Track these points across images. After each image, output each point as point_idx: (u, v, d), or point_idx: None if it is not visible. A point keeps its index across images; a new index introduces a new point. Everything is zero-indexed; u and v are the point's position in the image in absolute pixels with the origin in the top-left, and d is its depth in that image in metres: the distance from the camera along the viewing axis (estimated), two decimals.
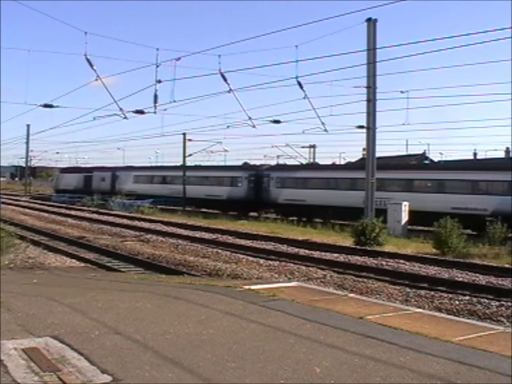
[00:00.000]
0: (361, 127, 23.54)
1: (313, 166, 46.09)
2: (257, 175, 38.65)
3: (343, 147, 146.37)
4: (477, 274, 14.77)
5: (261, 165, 43.04)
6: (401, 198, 26.48)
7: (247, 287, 9.21)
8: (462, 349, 5.64)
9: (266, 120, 22.68)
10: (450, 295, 11.99)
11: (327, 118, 22.41)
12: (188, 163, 46.26)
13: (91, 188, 55.15)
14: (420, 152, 42.47)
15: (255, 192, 37.92)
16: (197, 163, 49.40)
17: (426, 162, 35.27)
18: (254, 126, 22.10)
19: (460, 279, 14.22)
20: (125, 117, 20.67)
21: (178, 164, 48.74)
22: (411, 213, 25.32)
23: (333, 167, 40.83)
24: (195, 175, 43.98)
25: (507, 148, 53.20)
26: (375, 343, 5.77)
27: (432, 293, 12.22)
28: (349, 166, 38.48)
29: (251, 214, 37.17)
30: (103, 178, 54.87)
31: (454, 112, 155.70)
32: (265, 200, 37.08)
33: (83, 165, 67.98)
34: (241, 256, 17.67)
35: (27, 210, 39.02)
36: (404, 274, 14.90)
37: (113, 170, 55.47)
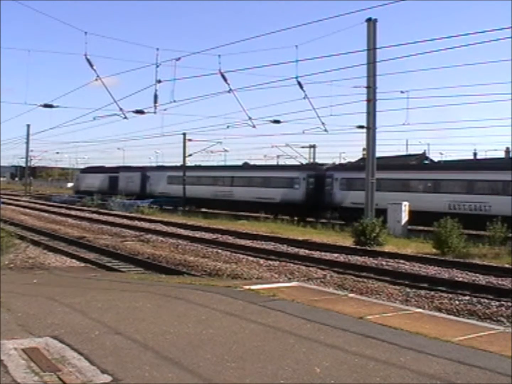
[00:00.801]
0: (361, 127, 23.55)
1: (387, 165, 41.62)
2: (317, 175, 34.80)
3: (343, 147, 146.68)
4: (477, 274, 14.76)
5: (322, 164, 39.54)
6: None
7: (247, 287, 9.21)
8: (462, 349, 5.64)
9: (266, 120, 22.71)
10: (450, 295, 11.99)
11: (327, 118, 22.44)
12: (188, 163, 46.23)
13: (117, 189, 50.51)
14: (420, 152, 42.49)
15: (314, 195, 33.94)
16: (197, 163, 49.17)
17: (426, 162, 35.26)
18: (254, 126, 22.13)
19: (460, 279, 14.22)
20: (125, 117, 20.70)
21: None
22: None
23: (413, 166, 34.93)
24: (241, 176, 40.20)
25: (507, 148, 53.21)
26: (375, 343, 5.77)
27: (432, 293, 12.22)
28: (431, 165, 34.61)
29: (306, 219, 33.04)
30: (132, 178, 50.42)
31: (454, 112, 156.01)
32: (326, 204, 32.97)
33: (107, 165, 64.28)
34: (241, 256, 17.67)
35: (27, 210, 39.03)
36: (404, 274, 14.90)
37: (143, 170, 51.23)
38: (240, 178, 39.97)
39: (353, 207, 29.80)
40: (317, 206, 33.54)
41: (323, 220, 32.46)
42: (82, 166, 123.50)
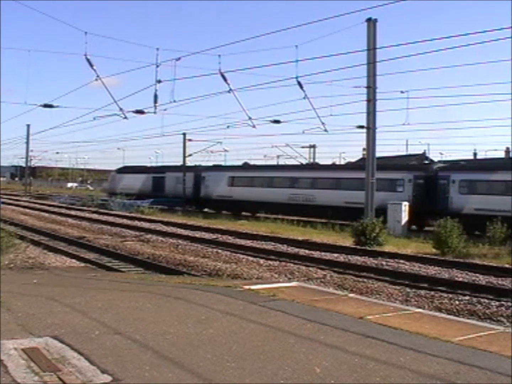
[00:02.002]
0: (361, 127, 23.56)
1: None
2: (427, 177, 30.37)
3: (343, 147, 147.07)
4: (477, 274, 14.77)
5: (431, 162, 34.86)
6: None
7: (247, 287, 9.21)
8: (462, 349, 5.64)
9: (266, 120, 22.72)
10: (450, 295, 11.99)
11: (327, 118, 22.46)
12: (188, 163, 46.14)
13: (163, 191, 45.97)
14: (420, 152, 42.47)
15: (423, 200, 29.35)
16: (197, 163, 48.85)
17: (427, 162, 35.24)
18: (254, 126, 22.14)
19: (460, 279, 14.22)
20: (125, 117, 20.73)
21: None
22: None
23: None
24: (327, 177, 34.79)
25: (507, 148, 53.24)
26: (375, 343, 5.77)
27: (432, 293, 12.22)
28: None
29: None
30: (182, 179, 44.26)
31: (454, 112, 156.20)
32: (440, 210, 27.89)
33: (148, 164, 60.62)
34: (241, 256, 17.66)
35: (27, 210, 39.01)
36: (404, 274, 14.90)
37: (196, 170, 44.94)
38: (325, 180, 34.51)
39: (477, 214, 26.17)
40: (427, 212, 29.13)
41: (324, 220, 31.01)
42: (82, 166, 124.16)
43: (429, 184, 29.85)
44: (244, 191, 38.10)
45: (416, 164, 34.31)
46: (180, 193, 43.78)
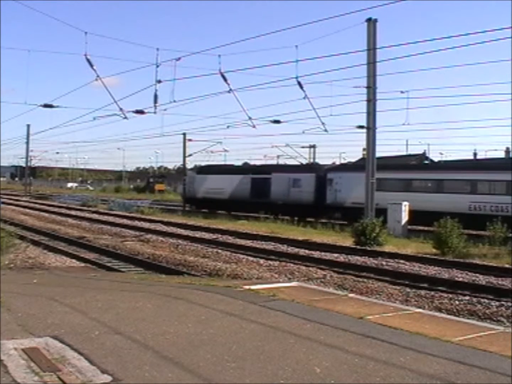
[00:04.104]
0: (361, 127, 23.56)
1: None
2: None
3: (343, 147, 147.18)
4: (477, 274, 14.76)
5: (319, 165, 33.74)
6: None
7: (247, 287, 9.22)
8: (462, 349, 5.64)
9: (266, 120, 22.75)
10: (450, 295, 11.98)
11: (327, 118, 22.52)
12: (188, 164, 45.83)
13: (267, 196, 35.98)
14: (420, 152, 42.43)
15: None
16: (197, 163, 48.09)
17: (427, 162, 35.22)
18: (254, 126, 22.17)
19: (460, 279, 14.21)
20: (125, 117, 20.74)
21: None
22: None
23: None
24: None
25: (507, 148, 53.27)
26: (375, 343, 5.77)
27: (432, 293, 12.22)
28: None
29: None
30: (297, 182, 34.70)
31: (454, 112, 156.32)
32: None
33: (236, 162, 49.94)
34: (241, 256, 17.67)
35: (27, 210, 39.02)
36: (404, 274, 14.89)
37: (318, 169, 35.24)
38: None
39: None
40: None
41: (323, 220, 30.80)
42: (82, 166, 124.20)
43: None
44: (397, 198, 27.99)
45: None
46: (294, 199, 34.08)
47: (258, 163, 51.19)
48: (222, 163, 50.96)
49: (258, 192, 36.99)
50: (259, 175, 38.36)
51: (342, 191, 32.16)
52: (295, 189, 34.59)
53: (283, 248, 20.30)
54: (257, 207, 34.16)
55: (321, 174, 34.10)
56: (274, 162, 51.49)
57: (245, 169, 42.06)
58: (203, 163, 49.20)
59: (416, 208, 25.86)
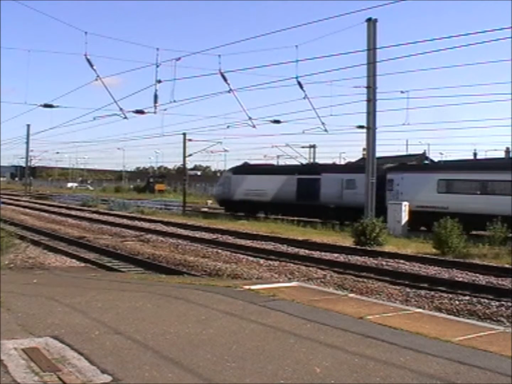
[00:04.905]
0: (361, 127, 23.57)
1: None
2: None
3: (343, 147, 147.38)
4: (477, 274, 14.76)
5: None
6: None
7: (247, 287, 9.21)
8: (462, 349, 5.64)
9: (266, 120, 22.76)
10: (450, 295, 11.99)
11: (327, 118, 22.52)
12: (188, 164, 45.73)
13: (316, 198, 32.16)
14: (420, 152, 42.43)
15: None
16: (197, 163, 47.65)
17: (426, 162, 35.22)
18: (254, 126, 22.17)
19: (460, 279, 14.21)
20: (125, 117, 20.75)
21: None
22: None
23: None
24: None
25: (507, 148, 53.21)
26: (375, 343, 5.77)
27: (432, 293, 12.22)
28: None
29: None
30: (353, 183, 30.97)
31: (454, 112, 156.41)
32: None
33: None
34: (241, 256, 17.67)
35: (27, 210, 39.00)
36: (404, 274, 14.89)
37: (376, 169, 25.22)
38: None
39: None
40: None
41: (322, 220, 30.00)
42: (82, 166, 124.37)
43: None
44: (473, 201, 25.23)
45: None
46: (348, 201, 30.44)
47: (258, 163, 51.01)
48: (264, 162, 47.94)
49: (306, 194, 33.49)
50: (306, 176, 34.63)
51: (404, 194, 28.33)
52: (349, 191, 31.21)
53: (283, 248, 20.30)
54: (304, 210, 32.12)
55: (379, 174, 28.23)
56: (274, 162, 51.26)
57: (291, 168, 37.96)
58: (203, 163, 49.00)
59: (495, 212, 22.63)
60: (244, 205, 37.40)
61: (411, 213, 26.15)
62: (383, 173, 29.07)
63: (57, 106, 20.81)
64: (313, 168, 36.44)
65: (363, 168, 26.02)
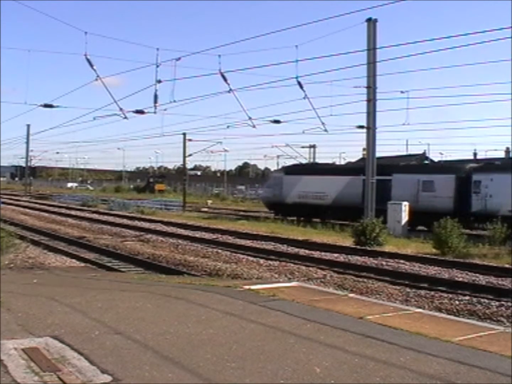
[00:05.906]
0: (361, 127, 23.58)
1: None
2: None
3: (343, 147, 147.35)
4: (477, 274, 14.75)
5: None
6: None
7: (247, 287, 9.21)
8: (462, 349, 5.64)
9: (266, 120, 22.75)
10: (450, 295, 11.98)
11: (327, 118, 22.51)
12: (188, 164, 45.78)
13: (387, 203, 26.24)
14: (420, 152, 42.42)
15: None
16: (197, 163, 47.69)
17: (426, 162, 35.23)
18: (254, 126, 22.16)
19: (460, 279, 14.21)
20: (125, 117, 20.75)
21: None
22: None
23: None
24: None
25: (507, 148, 53.25)
26: (375, 343, 5.77)
27: (432, 293, 12.22)
28: None
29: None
30: (429, 184, 27.92)
31: (454, 112, 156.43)
32: None
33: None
34: (241, 256, 17.66)
35: (27, 210, 38.99)
36: (404, 274, 14.89)
37: (459, 170, 27.20)
38: None
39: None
40: None
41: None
42: (82, 166, 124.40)
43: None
44: None
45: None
46: (425, 205, 27.05)
47: (258, 163, 50.75)
48: (320, 162, 43.60)
49: (383, 194, 27.69)
50: (383, 176, 28.38)
51: (494, 197, 25.10)
52: (426, 194, 27.72)
53: (283, 248, 20.29)
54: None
55: (462, 175, 26.95)
56: (274, 162, 50.96)
57: (354, 168, 32.70)
58: (203, 163, 49.03)
59: None
60: (298, 209, 33.53)
61: (503, 218, 21.72)
62: (467, 174, 26.47)
63: (57, 106, 20.83)
64: (382, 167, 28.28)
65: (443, 169, 23.55)
